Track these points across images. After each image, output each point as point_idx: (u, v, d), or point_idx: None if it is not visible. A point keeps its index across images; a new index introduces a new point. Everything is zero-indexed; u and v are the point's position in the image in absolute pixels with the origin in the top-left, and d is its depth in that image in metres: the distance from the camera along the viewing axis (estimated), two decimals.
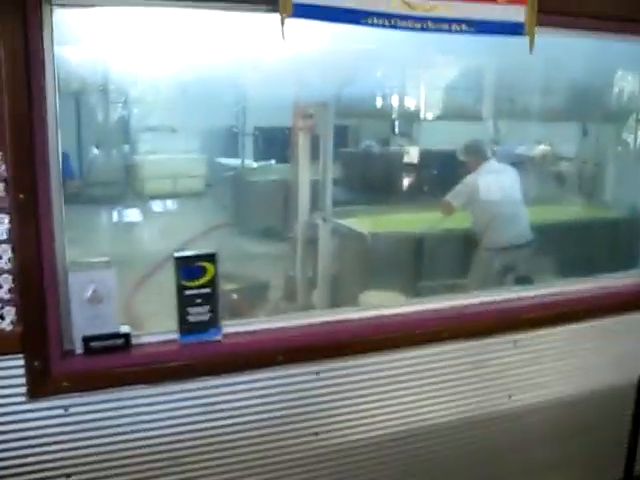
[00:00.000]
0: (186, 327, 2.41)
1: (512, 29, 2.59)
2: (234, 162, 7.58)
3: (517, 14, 2.59)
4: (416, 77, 6.65)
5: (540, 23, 2.60)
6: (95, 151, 7.54)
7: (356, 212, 5.16)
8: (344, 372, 2.59)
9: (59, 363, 2.24)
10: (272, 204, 6.11)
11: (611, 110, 5.33)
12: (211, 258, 2.41)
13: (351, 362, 2.59)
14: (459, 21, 2.50)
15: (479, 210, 4.62)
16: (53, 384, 2.21)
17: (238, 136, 7.50)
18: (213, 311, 2.43)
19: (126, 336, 2.34)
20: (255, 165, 7.24)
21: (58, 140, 2.22)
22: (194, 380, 2.38)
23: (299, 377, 2.51)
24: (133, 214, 7.01)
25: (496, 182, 4.65)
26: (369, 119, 6.79)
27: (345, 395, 2.61)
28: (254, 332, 2.53)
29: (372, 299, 3.72)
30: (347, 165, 6.07)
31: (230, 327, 2.51)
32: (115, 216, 6.79)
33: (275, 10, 2.24)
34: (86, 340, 2.29)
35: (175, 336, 2.42)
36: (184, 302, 2.40)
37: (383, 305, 2.82)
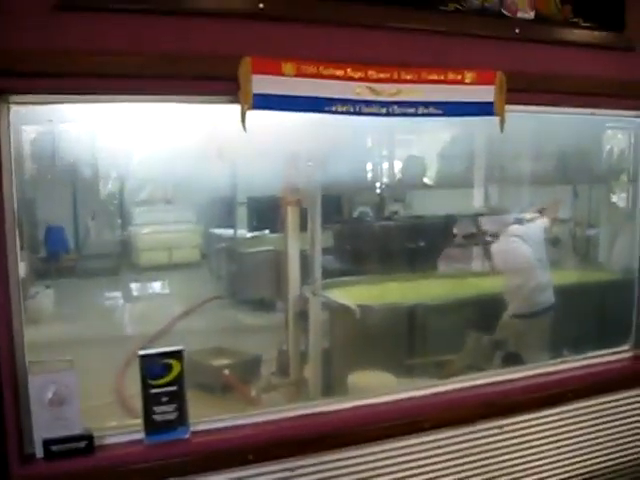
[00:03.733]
0: (152, 426, 2.32)
1: (481, 110, 2.57)
2: (229, 232, 7.57)
3: (486, 94, 2.56)
4: (407, 145, 6.67)
5: (510, 101, 2.57)
6: (90, 224, 7.55)
7: (347, 283, 5.07)
8: (320, 467, 2.48)
9: (18, 467, 2.16)
10: (265, 275, 6.05)
11: (602, 170, 5.28)
12: (177, 355, 2.34)
13: (328, 457, 2.49)
14: (426, 104, 2.47)
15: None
16: None
17: (232, 206, 7.51)
18: (180, 409, 2.34)
19: (89, 438, 2.25)
20: (249, 235, 7.22)
21: (15, 228, 2.17)
22: None
23: (272, 475, 2.41)
24: (128, 286, 6.97)
25: (516, 248, 4.71)
26: (362, 189, 6.77)
27: None
28: (224, 429, 2.43)
29: (360, 381, 3.62)
30: (340, 235, 6.01)
31: (199, 425, 2.42)
32: (110, 289, 6.74)
33: (237, 101, 2.22)
34: (46, 443, 2.20)
35: (141, 436, 2.32)
36: (149, 401, 2.31)
37: (362, 395, 2.73)
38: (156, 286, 7.02)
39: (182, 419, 2.35)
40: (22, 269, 6.07)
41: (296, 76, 2.28)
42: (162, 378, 2.32)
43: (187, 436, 2.36)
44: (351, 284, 5.11)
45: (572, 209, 5.50)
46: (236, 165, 6.20)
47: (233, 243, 7.32)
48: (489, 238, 4.97)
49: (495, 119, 2.61)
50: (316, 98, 2.31)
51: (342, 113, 2.35)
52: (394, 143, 6.74)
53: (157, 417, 2.32)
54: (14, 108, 2.18)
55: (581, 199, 5.50)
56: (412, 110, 2.45)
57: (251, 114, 2.29)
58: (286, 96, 2.27)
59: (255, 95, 2.23)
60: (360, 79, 2.36)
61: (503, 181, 5.80)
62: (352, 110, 2.37)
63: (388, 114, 2.42)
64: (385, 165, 6.73)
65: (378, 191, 6.72)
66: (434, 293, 4.81)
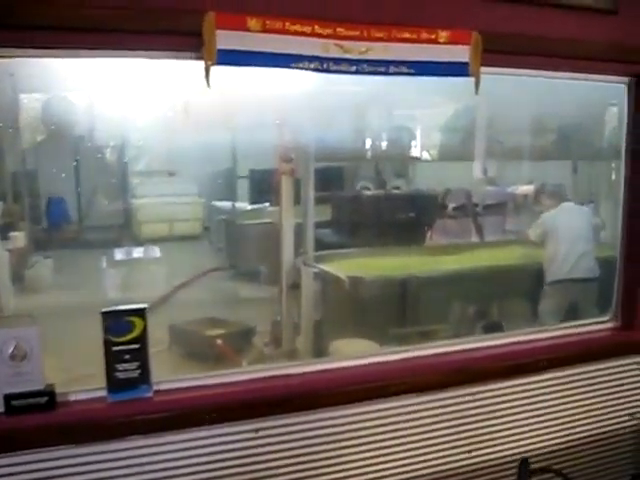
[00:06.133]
0: (114, 384, 2.31)
1: (456, 70, 2.51)
2: (230, 205, 7.58)
3: (461, 54, 2.51)
4: (410, 118, 6.61)
5: (486, 63, 2.51)
6: (91, 196, 7.58)
7: (342, 255, 5.05)
8: (286, 429, 2.46)
9: None
10: (263, 247, 6.05)
11: (601, 146, 5.21)
12: (140, 312, 2.33)
13: (292, 419, 2.47)
14: (397, 63, 2.42)
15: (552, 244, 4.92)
16: None
17: (233, 179, 7.51)
18: (143, 367, 2.33)
19: (50, 394, 2.25)
20: (249, 208, 7.22)
21: None
22: (123, 439, 2.27)
23: (236, 436, 2.39)
24: (128, 258, 6.99)
25: (569, 220, 4.97)
26: (358, 161, 6.74)
27: (287, 454, 2.48)
28: (188, 388, 2.42)
29: (341, 348, 3.60)
30: (339, 207, 6.00)
31: (164, 384, 2.41)
32: (110, 260, 6.76)
33: (201, 57, 2.19)
34: (7, 398, 2.20)
35: (104, 393, 2.32)
36: (112, 358, 2.30)
37: (331, 359, 2.71)
38: (156, 258, 7.02)
39: (145, 377, 2.34)
40: (22, 239, 6.11)
41: (262, 32, 2.23)
42: (125, 335, 2.31)
43: (150, 394, 2.35)
44: (347, 256, 5.10)
45: (571, 184, 5.44)
46: (235, 136, 6.21)
47: (233, 216, 7.33)
48: (479, 210, 4.96)
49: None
50: (282, 54, 2.27)
51: (309, 70, 2.31)
52: (394, 118, 6.69)
53: (119, 374, 2.31)
54: None
55: (580, 175, 5.44)
56: (382, 69, 2.40)
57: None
58: (251, 52, 2.23)
59: (219, 51, 2.19)
60: (328, 36, 2.31)
61: (502, 154, 5.74)
62: (320, 67, 2.32)
63: (357, 72, 2.37)
64: (383, 140, 6.69)
65: (376, 165, 6.68)
66: (425, 265, 4.79)
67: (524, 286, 4.73)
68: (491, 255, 4.92)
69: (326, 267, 4.62)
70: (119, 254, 6.90)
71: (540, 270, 4.81)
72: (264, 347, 4.86)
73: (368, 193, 6.34)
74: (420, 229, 5.48)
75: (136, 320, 2.32)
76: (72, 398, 2.32)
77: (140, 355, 2.33)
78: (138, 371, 2.33)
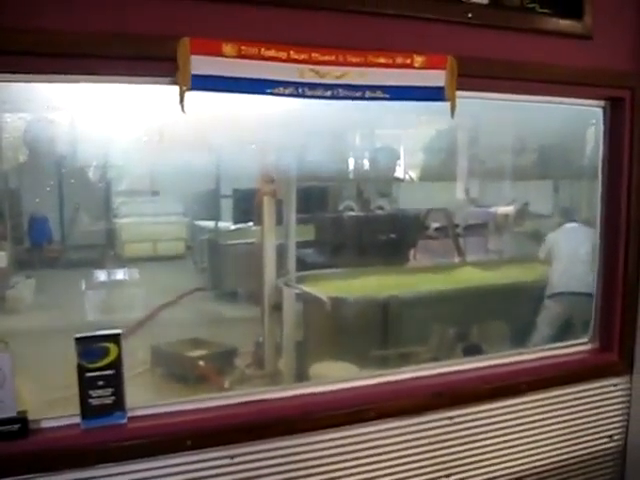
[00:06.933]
0: (88, 411, 2.29)
1: (432, 94, 2.52)
2: (213, 225, 7.57)
3: (437, 79, 2.52)
4: (393, 138, 6.64)
5: (462, 87, 2.53)
6: (76, 215, 7.53)
7: (325, 276, 5.03)
8: (262, 455, 2.45)
9: None
10: (247, 267, 6.02)
11: (583, 166, 5.24)
12: (114, 338, 2.31)
13: (269, 445, 2.45)
14: (373, 87, 2.43)
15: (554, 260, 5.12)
16: None
17: (217, 199, 7.51)
18: (117, 393, 2.31)
19: (23, 421, 2.22)
20: (232, 228, 7.19)
21: None
22: (97, 467, 2.25)
23: (211, 462, 2.37)
24: (111, 278, 6.94)
25: (570, 238, 5.08)
26: (339, 181, 6.74)
27: None
28: (162, 415, 2.40)
29: (321, 371, 3.58)
30: (322, 227, 6.00)
31: (138, 410, 2.39)
32: (93, 280, 6.70)
33: (176, 82, 2.19)
34: None
35: (77, 420, 2.29)
36: (85, 384, 2.28)
37: (307, 384, 2.70)
38: (139, 278, 6.98)
39: (119, 404, 2.32)
40: (4, 259, 6.04)
41: (237, 57, 2.24)
42: (98, 362, 2.29)
43: (124, 421, 2.33)
44: (330, 277, 5.07)
45: (552, 204, 5.47)
46: (219, 156, 6.20)
47: (216, 235, 7.31)
48: (461, 230, 4.97)
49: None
50: (258, 80, 2.27)
51: (285, 95, 2.31)
52: (376, 137, 6.71)
53: (93, 401, 2.29)
54: None
55: (562, 194, 5.46)
56: (358, 94, 2.41)
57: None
58: (226, 77, 2.24)
59: (194, 76, 2.19)
60: (304, 61, 2.32)
61: (485, 175, 5.77)
62: (295, 93, 2.32)
63: (333, 97, 2.38)
64: (366, 159, 6.72)
65: (359, 185, 6.69)
66: (408, 286, 4.77)
67: (509, 307, 4.71)
68: (474, 275, 4.92)
69: (308, 288, 4.60)
70: (102, 274, 6.85)
71: (525, 290, 4.82)
72: (246, 369, 4.83)
73: (351, 213, 6.34)
74: (404, 249, 5.47)
75: (110, 346, 2.30)
76: (45, 425, 2.29)
77: (114, 381, 2.31)
78: (112, 397, 2.31)
